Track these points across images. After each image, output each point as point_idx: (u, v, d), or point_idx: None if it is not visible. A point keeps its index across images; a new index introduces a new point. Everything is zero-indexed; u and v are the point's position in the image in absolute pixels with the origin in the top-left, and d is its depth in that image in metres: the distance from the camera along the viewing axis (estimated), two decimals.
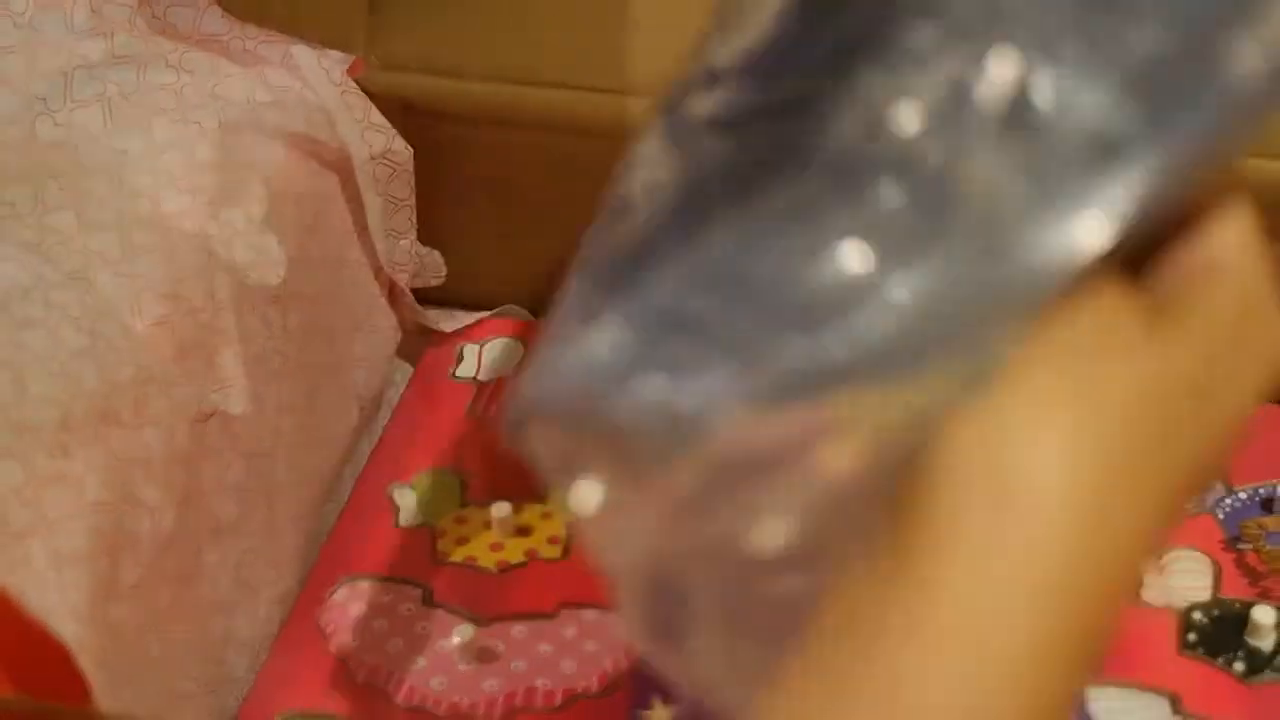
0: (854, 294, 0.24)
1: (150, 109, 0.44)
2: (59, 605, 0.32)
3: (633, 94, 0.50)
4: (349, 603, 0.47)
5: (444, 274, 0.56)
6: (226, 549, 0.42)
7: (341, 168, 0.50)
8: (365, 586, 0.47)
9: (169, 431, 0.38)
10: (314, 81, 0.49)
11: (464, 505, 0.50)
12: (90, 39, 0.45)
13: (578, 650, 0.45)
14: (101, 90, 0.44)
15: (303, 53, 0.49)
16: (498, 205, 0.55)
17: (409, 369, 0.56)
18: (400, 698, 0.43)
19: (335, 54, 0.50)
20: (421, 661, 0.44)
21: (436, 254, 0.55)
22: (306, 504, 0.47)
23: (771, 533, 0.26)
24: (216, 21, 0.49)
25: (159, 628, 0.37)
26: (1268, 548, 0.48)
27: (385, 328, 0.53)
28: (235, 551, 0.42)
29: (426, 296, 0.56)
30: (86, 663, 0.32)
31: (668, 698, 0.42)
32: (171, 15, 0.48)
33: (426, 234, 0.54)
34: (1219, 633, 0.45)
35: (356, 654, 0.45)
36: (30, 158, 0.42)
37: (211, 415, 0.41)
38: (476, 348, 0.55)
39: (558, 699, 0.43)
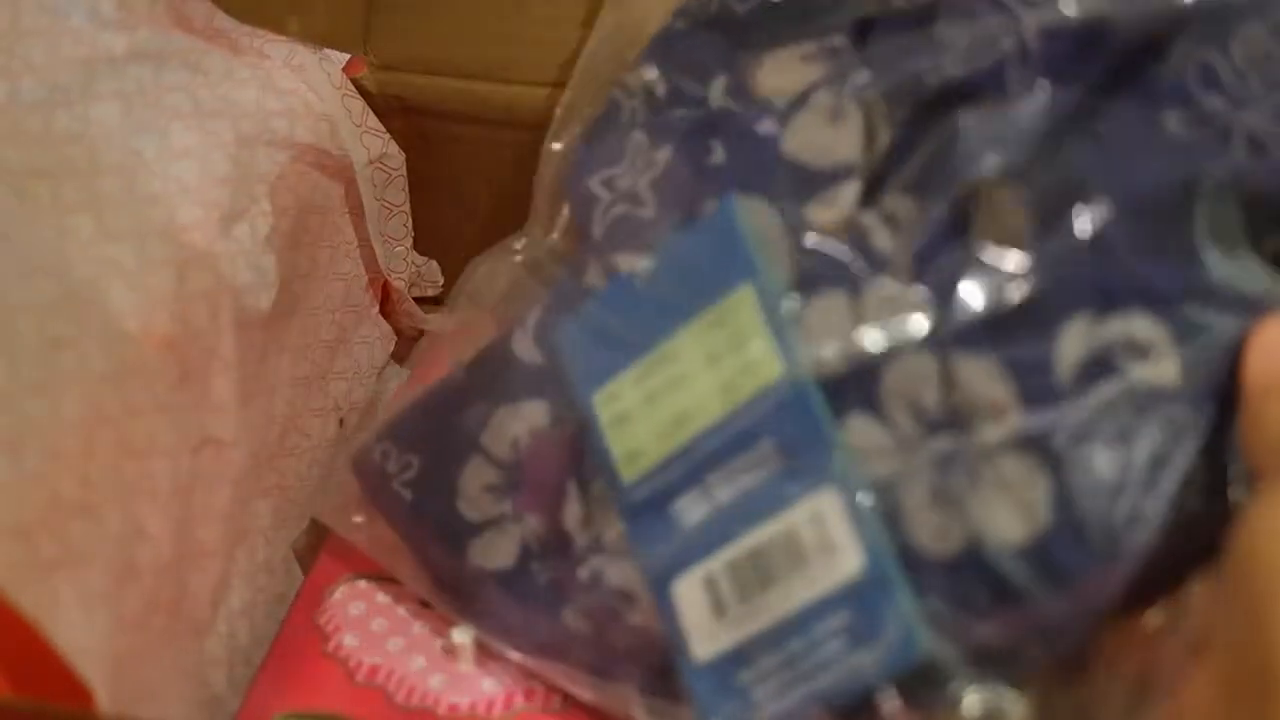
0: None
1: (167, 111, 0.45)
2: (84, 644, 0.32)
3: None
4: (348, 602, 0.47)
5: (441, 283, 0.56)
6: (207, 572, 0.43)
7: (344, 177, 0.50)
8: (365, 586, 0.48)
9: (174, 461, 0.39)
10: (316, 84, 0.48)
11: None
12: (115, 31, 0.46)
13: None
14: (120, 86, 0.44)
15: (305, 53, 0.48)
16: (497, 205, 0.54)
17: (406, 374, 0.55)
18: (400, 698, 0.43)
19: (335, 54, 0.49)
20: (421, 661, 0.45)
21: (434, 264, 0.55)
22: (281, 517, 0.48)
23: None
24: (225, 17, 0.47)
25: (152, 656, 0.38)
26: None
27: (374, 339, 0.53)
28: (214, 574, 0.43)
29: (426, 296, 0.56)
30: (103, 701, 0.32)
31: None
32: (188, 8, 0.47)
33: (424, 234, 0.54)
34: None
35: (356, 654, 0.45)
36: (50, 151, 0.42)
37: (206, 443, 0.42)
38: None
39: (557, 700, 0.43)
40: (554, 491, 0.42)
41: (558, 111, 0.47)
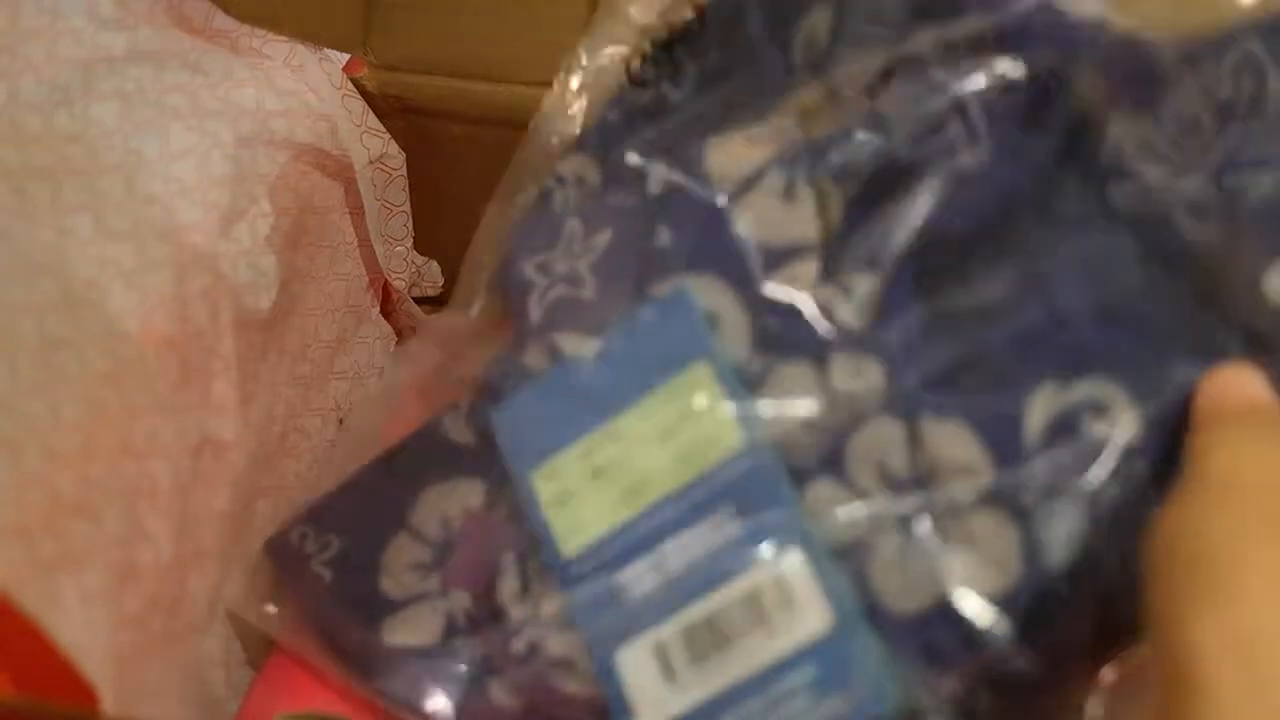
0: None
1: (166, 111, 0.45)
2: (86, 643, 0.31)
3: None
4: None
5: (441, 284, 0.55)
6: (206, 572, 0.43)
7: (344, 177, 0.50)
8: None
9: (174, 462, 0.39)
10: (316, 84, 0.47)
11: None
12: (114, 31, 0.46)
13: None
14: (120, 86, 0.44)
15: (304, 53, 0.48)
16: None
17: None
18: None
19: (335, 54, 0.49)
20: None
21: (434, 264, 0.55)
22: (280, 517, 0.48)
23: None
24: (225, 17, 0.47)
25: (151, 656, 0.38)
26: None
27: (375, 339, 0.53)
28: (213, 574, 0.43)
29: (426, 296, 0.56)
30: (106, 700, 0.32)
31: None
32: (188, 8, 0.47)
33: (425, 235, 0.54)
34: None
35: None
36: (49, 151, 0.42)
37: (206, 443, 0.42)
38: None
39: None
40: (488, 567, 0.42)
41: (508, 173, 0.48)
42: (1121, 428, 0.35)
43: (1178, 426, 0.34)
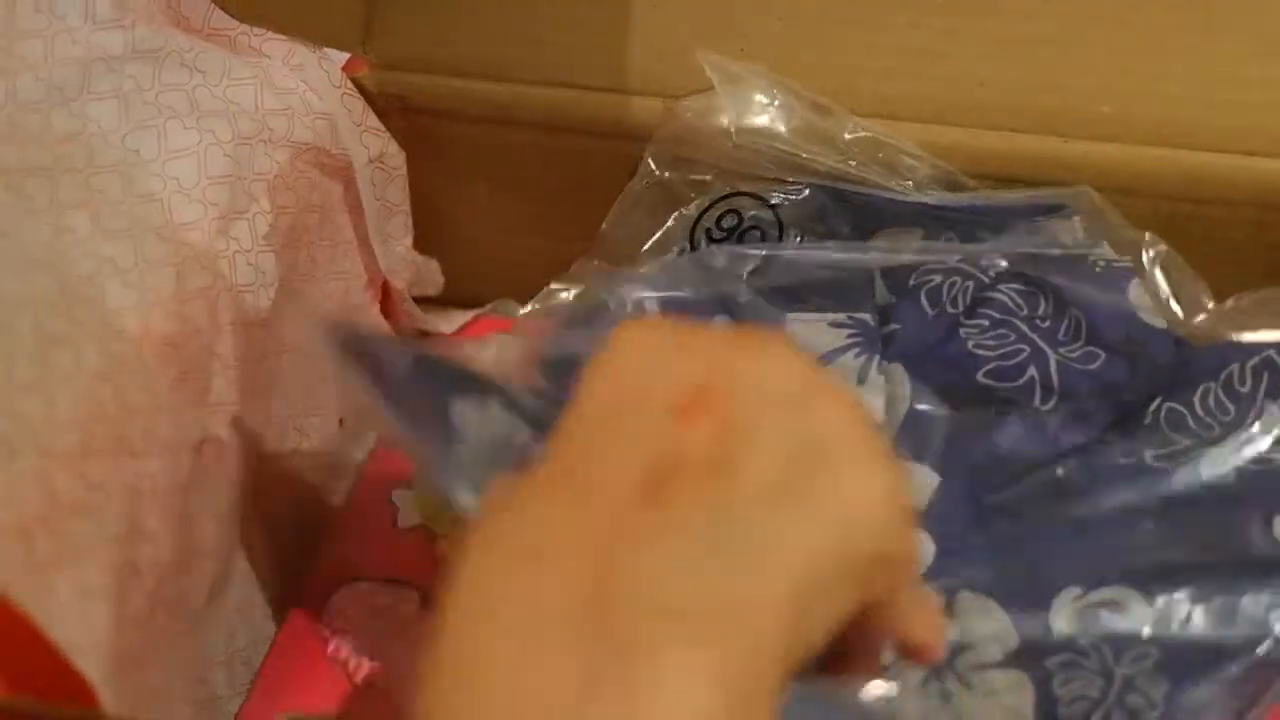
0: None
1: (164, 110, 0.44)
2: (83, 641, 0.31)
3: (633, 94, 0.50)
4: (348, 604, 0.46)
5: (441, 283, 0.55)
6: (206, 571, 0.42)
7: (343, 176, 0.49)
8: (365, 588, 0.47)
9: (174, 461, 0.39)
10: (315, 83, 0.47)
11: None
12: (111, 30, 0.45)
13: None
14: (118, 85, 0.44)
15: (304, 52, 0.47)
16: (497, 204, 0.54)
17: None
18: (399, 700, 0.42)
19: (334, 53, 0.49)
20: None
21: (434, 264, 0.55)
22: (281, 517, 0.48)
23: None
24: (223, 16, 0.47)
25: (151, 655, 0.38)
26: None
27: None
28: (211, 573, 0.43)
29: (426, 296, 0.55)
30: (105, 699, 0.32)
31: None
32: (185, 7, 0.47)
33: (425, 234, 0.54)
34: None
35: (356, 655, 0.44)
36: (47, 149, 0.42)
37: (206, 442, 0.41)
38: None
39: None
40: None
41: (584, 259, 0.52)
42: (1134, 620, 0.41)
43: (1188, 624, 0.41)
